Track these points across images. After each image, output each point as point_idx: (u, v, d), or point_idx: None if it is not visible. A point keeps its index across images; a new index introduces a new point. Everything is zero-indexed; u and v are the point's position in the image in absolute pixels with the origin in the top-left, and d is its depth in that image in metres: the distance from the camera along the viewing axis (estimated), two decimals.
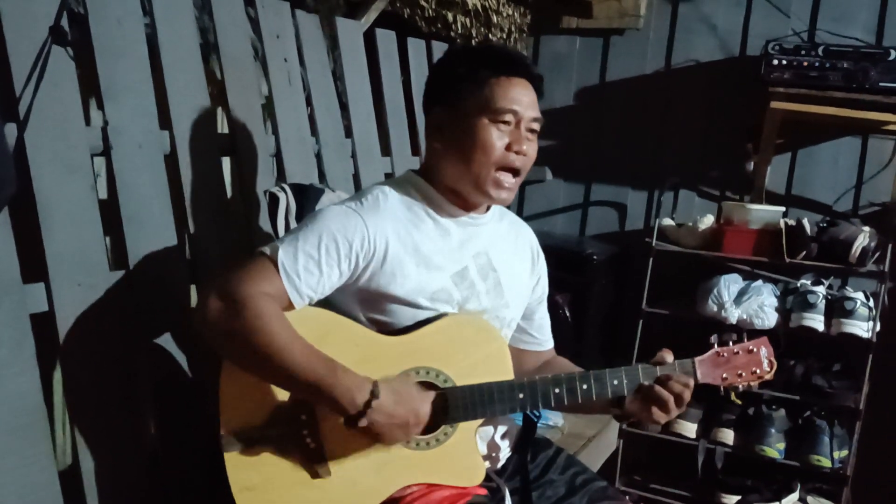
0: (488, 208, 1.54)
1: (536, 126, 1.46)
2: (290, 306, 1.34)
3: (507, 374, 1.47)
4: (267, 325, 1.27)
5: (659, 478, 3.07)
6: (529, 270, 1.64)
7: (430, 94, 1.52)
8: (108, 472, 1.55)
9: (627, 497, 1.60)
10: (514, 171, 1.45)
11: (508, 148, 1.42)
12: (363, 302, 1.44)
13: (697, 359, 1.48)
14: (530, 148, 1.44)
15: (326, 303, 1.42)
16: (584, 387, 1.44)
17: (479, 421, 1.45)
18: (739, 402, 2.84)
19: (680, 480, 2.99)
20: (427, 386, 1.41)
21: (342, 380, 1.28)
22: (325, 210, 1.43)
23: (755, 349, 1.52)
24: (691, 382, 1.44)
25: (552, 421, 2.47)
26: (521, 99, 1.43)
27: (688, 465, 2.86)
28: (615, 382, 1.44)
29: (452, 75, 1.46)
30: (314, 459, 1.36)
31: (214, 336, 1.31)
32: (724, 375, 1.50)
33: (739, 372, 1.50)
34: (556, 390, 1.43)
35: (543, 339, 1.71)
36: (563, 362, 1.68)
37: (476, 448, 1.47)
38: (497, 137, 1.42)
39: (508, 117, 1.42)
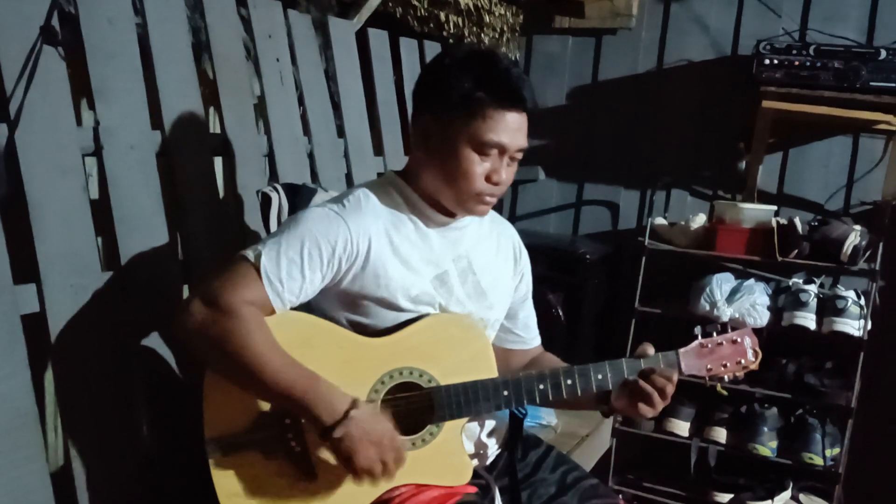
0: None
1: (520, 155, 1.45)
2: (271, 311, 1.34)
3: (491, 372, 1.47)
4: (248, 334, 1.27)
5: (652, 476, 3.07)
6: (512, 270, 1.64)
7: (422, 96, 1.48)
8: (101, 474, 1.55)
9: (620, 496, 1.60)
10: (492, 193, 1.44)
11: (487, 178, 1.41)
12: (345, 304, 1.44)
13: (681, 350, 1.49)
14: (508, 175, 1.44)
15: (307, 305, 1.42)
16: (569, 382, 1.44)
17: (465, 420, 1.45)
18: (725, 393, 2.83)
19: (673, 479, 3.00)
20: (411, 387, 1.41)
21: (321, 390, 1.28)
22: (306, 213, 1.42)
23: (739, 339, 1.52)
24: (675, 377, 1.44)
25: (545, 420, 2.47)
26: (511, 132, 1.39)
27: (681, 463, 2.87)
28: (599, 377, 1.45)
29: (449, 88, 1.40)
30: (300, 463, 1.36)
31: (196, 343, 1.32)
32: (709, 366, 1.50)
33: (724, 363, 1.51)
34: (541, 386, 1.44)
35: (529, 337, 1.70)
36: (551, 359, 1.68)
37: (462, 447, 1.47)
38: (478, 166, 1.40)
39: (493, 151, 1.40)
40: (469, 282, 1.52)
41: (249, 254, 1.34)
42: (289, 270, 1.33)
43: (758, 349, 1.53)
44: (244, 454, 1.35)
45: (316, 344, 1.36)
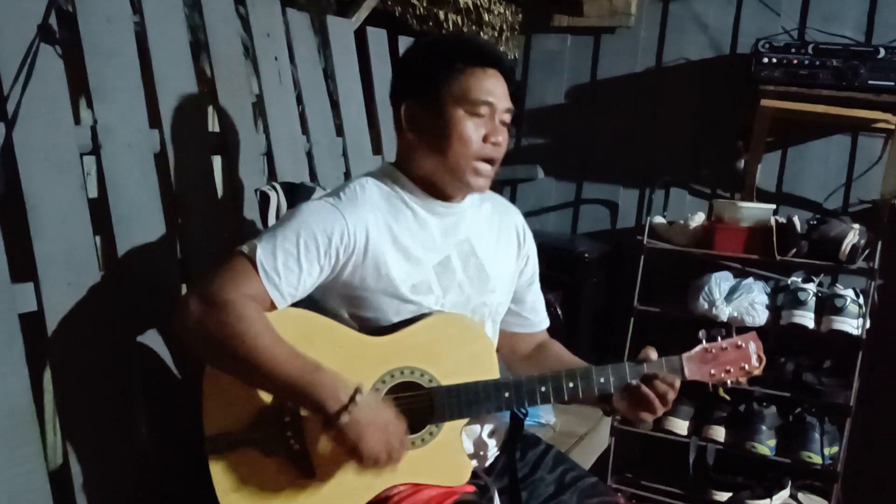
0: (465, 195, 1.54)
1: (508, 117, 1.47)
2: (272, 306, 1.34)
3: (492, 372, 1.47)
4: (249, 328, 1.26)
5: (651, 475, 3.07)
6: (515, 253, 1.63)
7: (400, 86, 1.51)
8: (99, 473, 1.55)
9: (619, 494, 1.60)
10: (490, 161, 1.46)
11: (485, 139, 1.43)
12: (346, 298, 1.44)
13: (685, 355, 1.49)
14: (504, 138, 1.46)
15: (309, 302, 1.42)
16: (571, 385, 1.45)
17: (465, 420, 1.45)
18: (728, 397, 2.84)
19: (671, 478, 2.99)
20: (412, 386, 1.41)
21: (326, 378, 1.27)
22: (303, 206, 1.42)
23: (743, 344, 1.52)
24: (677, 382, 1.45)
25: (544, 419, 2.47)
26: (495, 90, 1.43)
27: (679, 462, 2.86)
28: (602, 380, 1.45)
29: (425, 67, 1.45)
30: (299, 461, 1.36)
31: (196, 341, 1.31)
32: (712, 371, 1.50)
33: (728, 368, 1.50)
34: (542, 388, 1.44)
35: (537, 320, 1.71)
36: (557, 347, 1.69)
37: (462, 447, 1.47)
38: (473, 129, 1.42)
39: (484, 109, 1.42)
40: (471, 265, 1.52)
41: (245, 248, 1.34)
42: (285, 262, 1.33)
43: (762, 354, 1.52)
44: (243, 452, 1.35)
45: (316, 342, 1.36)
